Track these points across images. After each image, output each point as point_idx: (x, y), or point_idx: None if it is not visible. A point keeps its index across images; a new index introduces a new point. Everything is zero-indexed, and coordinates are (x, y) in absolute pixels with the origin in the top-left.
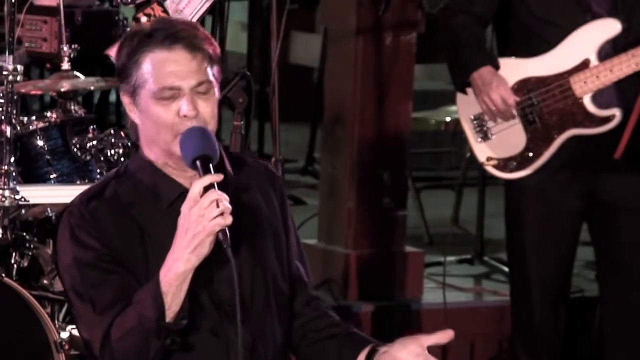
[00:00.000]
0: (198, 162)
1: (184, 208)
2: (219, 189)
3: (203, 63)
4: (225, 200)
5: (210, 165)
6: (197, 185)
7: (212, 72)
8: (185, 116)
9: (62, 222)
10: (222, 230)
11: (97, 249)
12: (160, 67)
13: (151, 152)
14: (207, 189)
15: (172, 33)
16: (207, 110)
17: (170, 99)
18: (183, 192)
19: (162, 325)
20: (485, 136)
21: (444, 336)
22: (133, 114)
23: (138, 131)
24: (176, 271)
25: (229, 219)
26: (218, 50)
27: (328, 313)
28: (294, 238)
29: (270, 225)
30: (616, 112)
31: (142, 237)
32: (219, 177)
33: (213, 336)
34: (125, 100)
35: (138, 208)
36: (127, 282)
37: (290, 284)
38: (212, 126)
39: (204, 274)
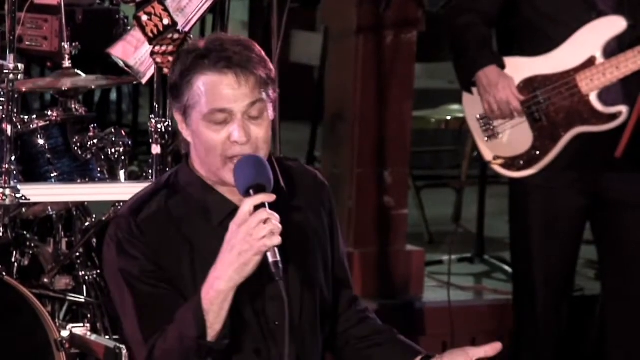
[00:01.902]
0: (252, 191)
1: (232, 225)
2: (270, 207)
3: (256, 87)
4: (275, 219)
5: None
6: (247, 204)
7: (265, 94)
8: (236, 142)
9: (110, 233)
10: (272, 251)
11: (144, 264)
12: (212, 89)
13: (202, 169)
14: (257, 208)
15: (226, 57)
16: (260, 135)
17: (222, 123)
18: (234, 210)
19: (202, 344)
20: (491, 135)
21: (491, 349)
22: (185, 132)
23: (189, 146)
24: (218, 289)
25: (277, 239)
26: (273, 71)
27: (369, 317)
28: (340, 242)
29: (318, 238)
30: (623, 109)
31: (191, 254)
32: (271, 197)
33: (256, 356)
34: (177, 117)
35: (188, 223)
36: (173, 299)
37: (335, 285)
38: (264, 151)
39: (250, 292)
